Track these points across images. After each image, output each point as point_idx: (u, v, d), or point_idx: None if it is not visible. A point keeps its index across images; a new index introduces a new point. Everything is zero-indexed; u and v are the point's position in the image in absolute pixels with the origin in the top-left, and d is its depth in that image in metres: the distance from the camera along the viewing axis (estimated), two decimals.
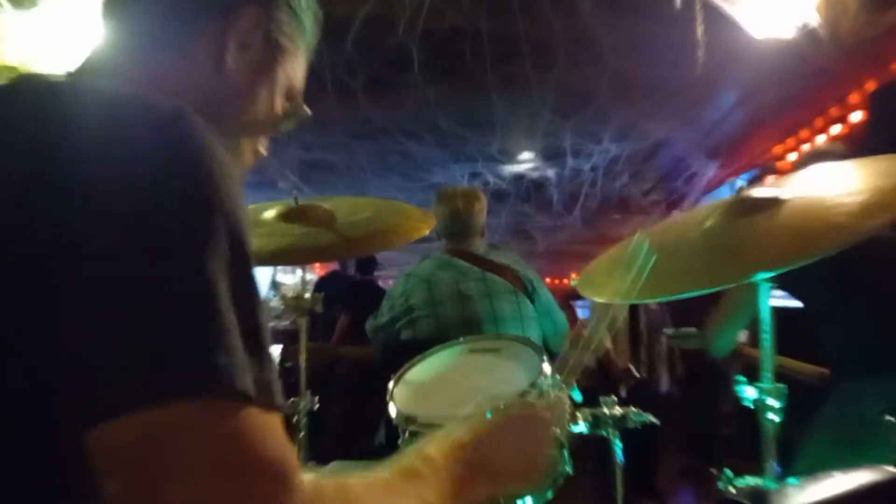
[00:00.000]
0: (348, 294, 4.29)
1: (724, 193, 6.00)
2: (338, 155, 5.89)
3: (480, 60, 3.99)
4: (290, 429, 0.51)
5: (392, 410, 1.28)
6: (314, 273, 6.18)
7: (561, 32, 3.82)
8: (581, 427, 1.32)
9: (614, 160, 6.19)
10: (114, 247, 0.51)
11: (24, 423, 0.53)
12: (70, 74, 0.73)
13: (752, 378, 1.15)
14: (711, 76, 4.03)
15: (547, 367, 1.24)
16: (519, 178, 6.79)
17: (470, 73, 4.17)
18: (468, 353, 1.47)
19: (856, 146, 2.14)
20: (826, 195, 1.13)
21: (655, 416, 1.38)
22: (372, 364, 3.23)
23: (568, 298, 7.06)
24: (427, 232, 1.74)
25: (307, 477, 0.54)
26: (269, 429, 0.52)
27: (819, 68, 3.92)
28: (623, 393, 5.00)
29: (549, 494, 1.17)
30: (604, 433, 1.34)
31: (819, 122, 4.77)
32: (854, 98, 4.37)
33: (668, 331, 5.03)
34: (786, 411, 1.09)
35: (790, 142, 5.29)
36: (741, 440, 4.33)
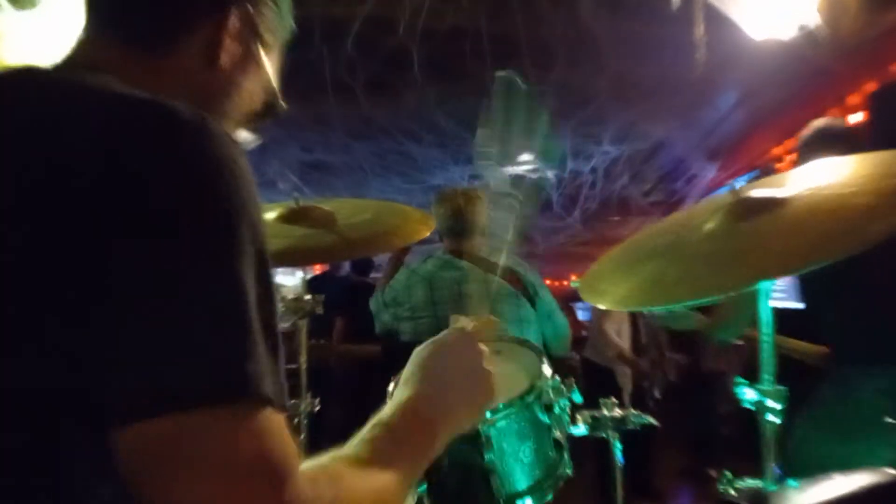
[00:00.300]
0: (344, 297, 4.12)
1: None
2: (338, 155, 5.89)
3: (480, 60, 3.99)
4: (291, 431, 0.54)
5: None
6: (313, 272, 6.17)
7: (561, 32, 3.82)
8: (581, 429, 1.32)
9: (614, 161, 6.19)
10: (145, 253, 0.52)
11: (55, 421, 0.54)
12: (63, 68, 0.72)
13: (752, 379, 1.15)
14: (711, 76, 4.03)
15: (547, 369, 1.23)
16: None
17: (470, 73, 4.17)
18: None
19: (857, 145, 2.15)
20: (829, 195, 1.13)
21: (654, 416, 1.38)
22: (372, 363, 3.24)
23: (567, 300, 7.07)
24: (427, 234, 1.74)
25: (303, 467, 0.58)
26: (282, 429, 0.56)
27: (819, 69, 3.92)
28: (657, 394, 5.03)
29: (549, 496, 1.18)
30: (603, 435, 1.34)
31: None
32: (854, 99, 4.37)
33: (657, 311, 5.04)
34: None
35: (790, 142, 5.29)
36: (741, 441, 4.33)
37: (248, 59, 0.80)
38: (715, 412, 5.05)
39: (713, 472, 1.09)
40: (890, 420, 1.08)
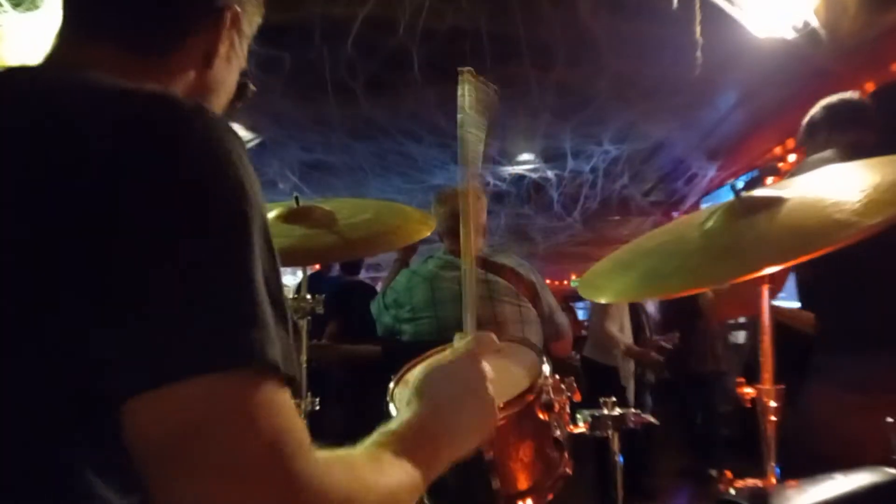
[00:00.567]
0: (335, 298, 3.80)
1: (725, 194, 5.99)
2: (338, 155, 5.89)
3: (480, 60, 3.99)
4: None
5: (392, 411, 1.28)
6: (312, 271, 6.16)
7: (561, 32, 3.82)
8: (580, 428, 1.32)
9: (614, 161, 6.19)
10: (159, 234, 0.55)
11: (64, 396, 0.55)
12: (54, 67, 0.73)
13: (752, 379, 1.15)
14: (711, 76, 4.03)
15: (547, 369, 1.23)
16: (519, 179, 6.79)
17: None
18: None
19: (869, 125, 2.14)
20: (826, 194, 1.13)
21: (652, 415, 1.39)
22: (372, 363, 3.23)
23: (568, 300, 7.08)
24: (427, 234, 1.74)
25: (318, 451, 0.59)
26: (289, 401, 0.57)
27: (819, 68, 3.91)
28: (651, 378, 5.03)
29: (549, 496, 1.18)
30: (603, 434, 1.35)
31: None
32: None
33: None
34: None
35: (790, 142, 5.29)
36: (741, 441, 4.34)
37: (232, 57, 0.83)
38: (715, 412, 5.05)
39: (713, 472, 1.09)
40: (889, 419, 1.08)
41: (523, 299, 2.40)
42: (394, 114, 4.93)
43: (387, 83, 4.29)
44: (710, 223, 1.20)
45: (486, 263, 2.45)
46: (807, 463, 1.03)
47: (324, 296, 1.72)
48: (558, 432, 1.21)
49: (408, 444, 0.75)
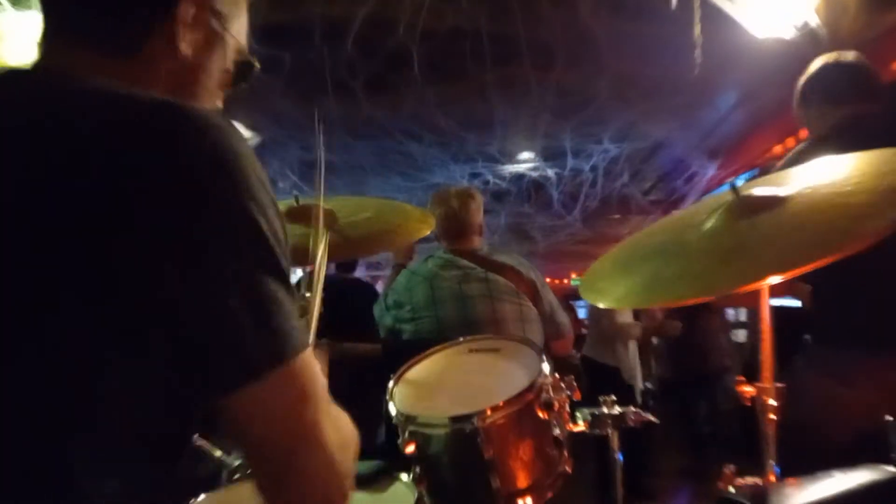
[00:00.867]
0: (329, 297, 3.99)
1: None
2: (338, 155, 5.89)
3: (480, 60, 3.99)
4: None
5: (392, 410, 1.28)
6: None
7: (561, 32, 3.82)
8: (580, 427, 1.32)
9: (614, 160, 6.19)
10: (177, 233, 0.59)
11: (64, 353, 0.56)
12: (43, 72, 0.73)
13: (752, 377, 1.15)
14: (711, 76, 4.03)
15: (547, 368, 1.24)
16: (519, 178, 6.79)
17: (470, 73, 4.17)
18: (468, 353, 1.47)
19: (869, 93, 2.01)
20: (827, 193, 1.13)
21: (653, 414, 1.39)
22: (374, 361, 3.23)
23: (568, 298, 7.07)
24: (428, 232, 1.74)
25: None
26: (311, 363, 0.72)
27: None
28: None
29: (549, 494, 1.18)
30: (603, 433, 1.35)
31: None
32: None
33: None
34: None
35: (790, 141, 5.29)
36: (741, 440, 4.33)
37: (213, 40, 0.81)
38: (715, 411, 5.05)
39: (713, 471, 1.09)
40: (889, 418, 1.07)
41: (524, 298, 2.40)
42: (394, 113, 4.92)
43: (387, 83, 4.29)
44: (710, 223, 1.20)
45: (486, 262, 2.46)
46: (794, 452, 1.03)
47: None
48: (558, 431, 1.21)
49: None
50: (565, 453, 1.21)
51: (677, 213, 1.58)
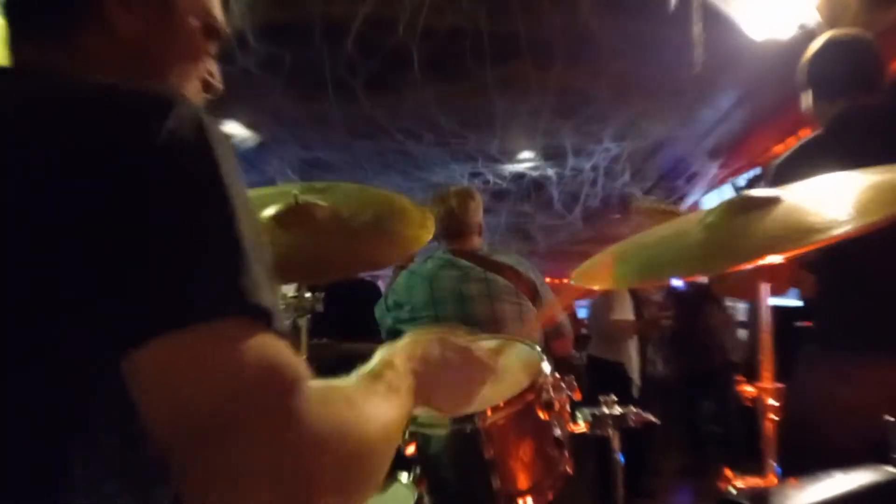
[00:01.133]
0: (334, 295, 3.97)
1: (725, 193, 6.00)
2: (338, 154, 5.89)
3: (480, 60, 3.99)
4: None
5: None
6: None
7: (561, 32, 3.82)
8: (581, 427, 1.32)
9: (615, 159, 6.19)
10: (151, 204, 0.57)
11: (64, 354, 0.55)
12: (27, 67, 0.73)
13: (752, 377, 1.15)
14: (711, 76, 4.03)
15: (547, 368, 1.24)
16: (519, 177, 6.79)
17: (470, 73, 4.17)
18: None
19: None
20: (827, 192, 1.13)
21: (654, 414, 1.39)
22: None
23: None
24: (428, 239, 1.73)
25: (315, 382, 0.60)
26: (281, 343, 0.58)
27: None
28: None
29: (550, 495, 1.18)
30: (603, 433, 1.34)
31: None
32: None
33: None
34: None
35: (790, 141, 5.28)
36: (741, 440, 4.33)
37: (157, 7, 0.77)
38: (722, 409, 5.05)
39: (713, 471, 1.09)
40: (889, 418, 1.07)
41: (523, 298, 2.40)
42: (394, 112, 4.93)
43: (387, 82, 4.29)
44: (709, 219, 1.20)
45: (485, 262, 2.45)
46: (795, 452, 1.03)
47: (323, 293, 1.71)
48: (558, 431, 1.21)
49: (400, 379, 0.78)
50: (566, 454, 1.21)
51: (679, 218, 1.58)
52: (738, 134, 5.99)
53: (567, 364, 4.65)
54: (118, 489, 0.58)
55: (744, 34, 3.46)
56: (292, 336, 0.66)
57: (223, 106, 0.88)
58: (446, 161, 6.04)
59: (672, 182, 7.20)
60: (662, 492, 4.81)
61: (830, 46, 1.96)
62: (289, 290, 1.76)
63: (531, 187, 7.06)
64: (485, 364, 0.98)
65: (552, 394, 1.21)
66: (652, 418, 1.38)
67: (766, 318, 1.13)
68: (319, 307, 1.70)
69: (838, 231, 0.96)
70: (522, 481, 1.15)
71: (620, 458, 1.37)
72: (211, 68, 0.86)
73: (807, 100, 2.00)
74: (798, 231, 1.03)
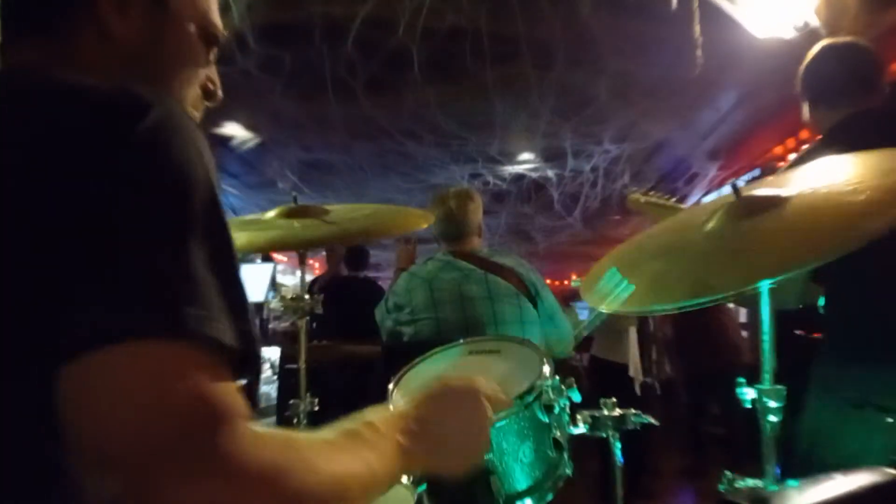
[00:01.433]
0: (333, 291, 3.87)
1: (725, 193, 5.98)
2: (338, 155, 5.89)
3: (480, 60, 3.99)
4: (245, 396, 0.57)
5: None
6: (313, 273, 6.17)
7: (561, 32, 3.82)
8: (580, 429, 1.32)
9: (615, 160, 6.19)
10: (99, 214, 0.55)
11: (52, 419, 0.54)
12: (21, 66, 0.72)
13: (752, 379, 1.15)
14: (711, 76, 4.03)
15: (547, 370, 1.23)
16: (519, 178, 6.79)
17: (470, 73, 4.17)
18: (468, 355, 1.46)
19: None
20: (827, 193, 1.12)
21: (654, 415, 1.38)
22: (372, 363, 3.23)
23: (568, 300, 7.07)
24: (426, 225, 1.74)
25: (255, 424, 0.57)
26: (222, 376, 0.56)
27: None
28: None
29: (549, 496, 1.18)
30: (603, 434, 1.34)
31: None
32: None
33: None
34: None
35: (790, 142, 5.29)
36: (742, 441, 4.33)
37: (153, 12, 0.76)
38: (715, 412, 5.05)
39: (713, 472, 1.09)
40: (889, 419, 1.07)
41: (523, 299, 2.39)
42: (394, 113, 4.93)
43: (387, 83, 4.29)
44: (711, 224, 1.19)
45: (485, 263, 2.45)
46: (803, 472, 1.02)
47: (322, 295, 1.72)
48: (558, 433, 1.21)
49: (379, 438, 0.74)
50: (565, 455, 1.21)
51: (679, 216, 1.57)
52: (738, 135, 5.99)
53: (567, 366, 4.66)
54: (118, 490, 0.58)
55: (744, 34, 3.46)
56: (250, 376, 0.63)
57: (223, 107, 0.88)
58: (446, 162, 6.04)
59: (672, 183, 7.20)
60: (663, 493, 4.81)
61: (827, 52, 1.96)
62: (288, 292, 1.77)
63: (531, 188, 7.06)
64: (492, 402, 0.92)
65: (552, 395, 1.20)
66: (652, 420, 1.37)
67: (766, 320, 1.12)
68: (319, 309, 1.71)
69: (848, 241, 0.94)
70: (522, 483, 1.15)
71: (620, 460, 1.37)
72: (211, 75, 0.85)
73: (807, 108, 2.00)
74: (807, 243, 1.02)
